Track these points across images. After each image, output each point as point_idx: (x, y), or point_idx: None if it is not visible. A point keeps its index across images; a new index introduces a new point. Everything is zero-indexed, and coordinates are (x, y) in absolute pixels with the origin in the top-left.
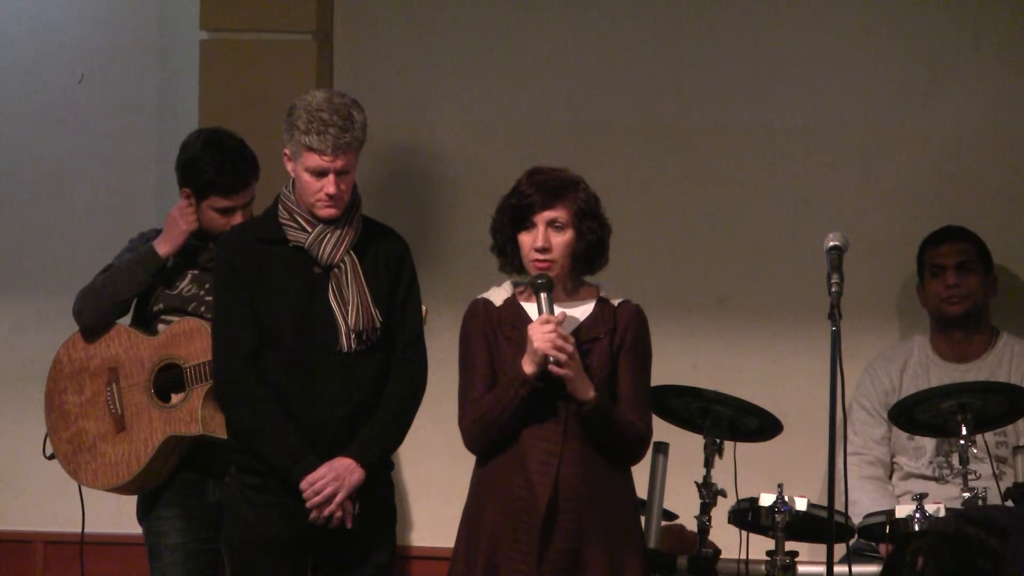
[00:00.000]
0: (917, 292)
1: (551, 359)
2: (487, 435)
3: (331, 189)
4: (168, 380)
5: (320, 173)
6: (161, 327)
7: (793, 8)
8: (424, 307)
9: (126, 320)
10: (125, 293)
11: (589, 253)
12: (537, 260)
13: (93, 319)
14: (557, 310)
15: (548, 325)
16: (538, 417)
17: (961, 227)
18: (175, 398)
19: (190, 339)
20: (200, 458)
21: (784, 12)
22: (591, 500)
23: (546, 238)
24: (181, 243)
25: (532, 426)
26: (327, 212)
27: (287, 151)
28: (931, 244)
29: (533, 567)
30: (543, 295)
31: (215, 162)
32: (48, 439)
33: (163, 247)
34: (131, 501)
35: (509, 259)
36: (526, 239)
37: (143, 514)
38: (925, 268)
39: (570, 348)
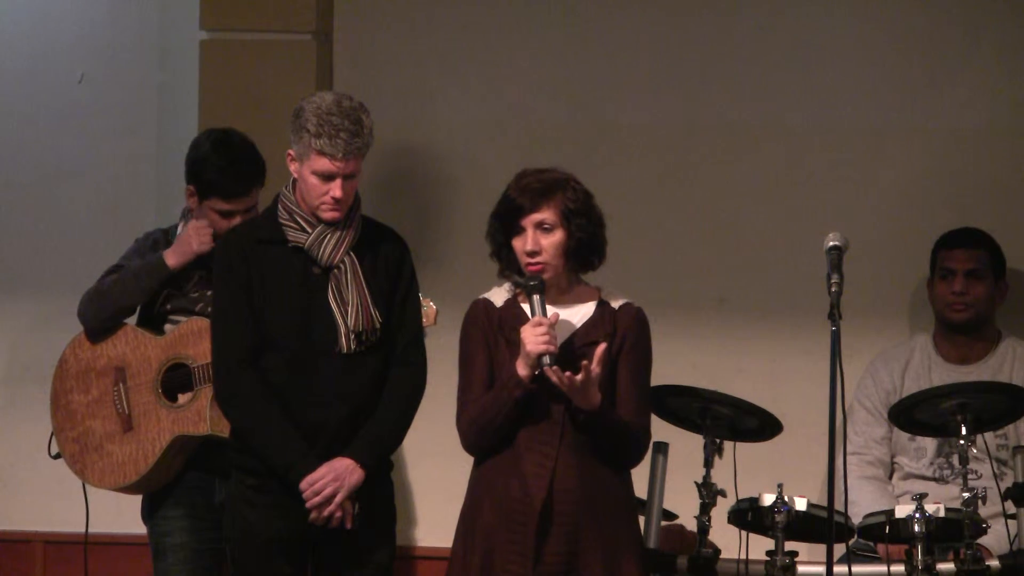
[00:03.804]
0: (927, 287)
1: (544, 361)
2: (482, 436)
3: (337, 193)
4: (175, 380)
5: (328, 177)
6: (168, 327)
7: (793, 8)
8: (435, 307)
9: (133, 319)
10: (131, 300)
11: (582, 251)
12: (529, 264)
13: (97, 322)
14: (551, 311)
15: (540, 328)
16: (534, 419)
17: (978, 231)
18: (182, 398)
19: (199, 339)
20: (207, 458)
21: (784, 11)
22: (587, 502)
23: (535, 241)
24: (189, 260)
25: (528, 428)
26: (331, 215)
27: (291, 152)
28: (944, 246)
29: (529, 568)
30: (535, 297)
31: (219, 165)
32: (54, 438)
33: (172, 259)
34: (131, 501)
35: (507, 264)
36: (517, 243)
37: (148, 513)
38: (936, 268)
39: (594, 369)
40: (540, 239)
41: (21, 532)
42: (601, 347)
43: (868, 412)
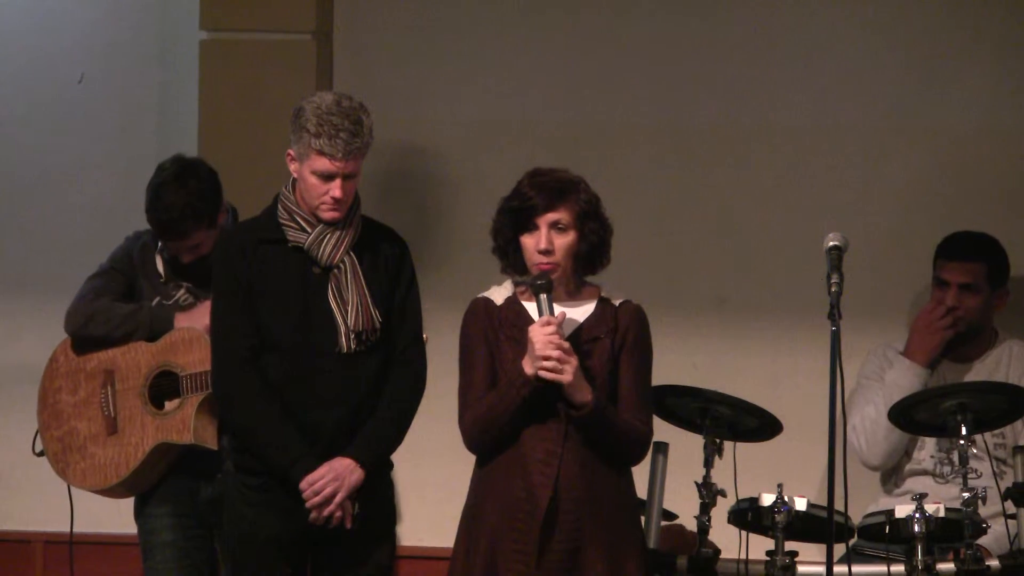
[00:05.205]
0: (932, 286)
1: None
2: (487, 435)
3: (337, 193)
4: (163, 387)
5: (328, 177)
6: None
7: (793, 8)
8: (425, 335)
9: None
10: (129, 339)
11: (591, 254)
12: (540, 262)
13: (76, 332)
14: (557, 310)
15: (549, 327)
16: (539, 417)
17: (980, 239)
18: (168, 405)
19: (189, 348)
20: (190, 463)
21: (784, 12)
22: (591, 501)
23: (549, 240)
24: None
25: (533, 426)
26: (331, 215)
27: (291, 152)
28: (943, 256)
29: (532, 567)
30: (543, 296)
31: (153, 206)
32: (38, 436)
33: (182, 323)
34: (129, 501)
35: (511, 261)
36: (528, 241)
37: (137, 511)
38: (935, 272)
39: (568, 357)
40: (554, 238)
41: (20, 532)
42: None
43: (875, 382)
